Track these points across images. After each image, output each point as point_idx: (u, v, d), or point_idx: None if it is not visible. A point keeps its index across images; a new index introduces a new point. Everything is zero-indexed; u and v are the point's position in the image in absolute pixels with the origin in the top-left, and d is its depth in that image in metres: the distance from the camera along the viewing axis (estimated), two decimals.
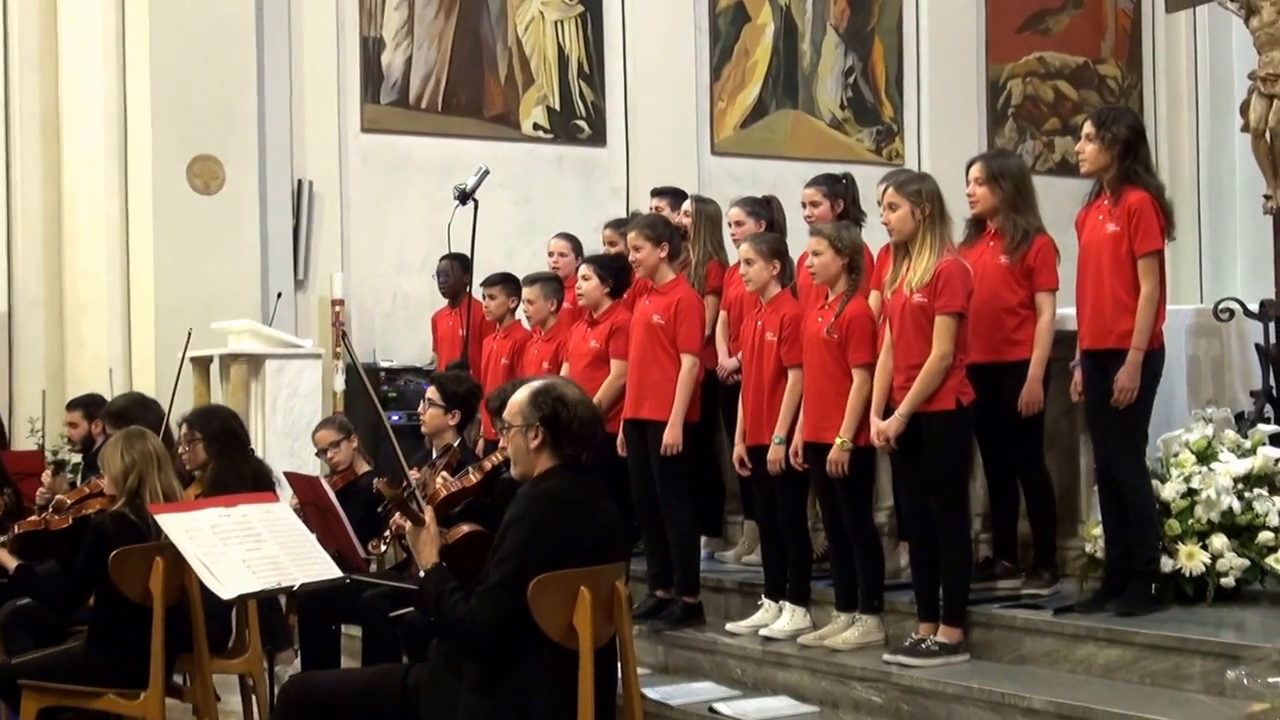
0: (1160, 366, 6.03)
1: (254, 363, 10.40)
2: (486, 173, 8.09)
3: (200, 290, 11.09)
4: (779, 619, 6.84)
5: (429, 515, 4.56)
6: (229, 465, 6.53)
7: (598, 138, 13.43)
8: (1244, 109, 6.94)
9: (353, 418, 11.78)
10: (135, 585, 5.28)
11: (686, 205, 7.88)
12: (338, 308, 12.09)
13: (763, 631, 6.82)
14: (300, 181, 12.14)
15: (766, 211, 7.57)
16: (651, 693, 6.70)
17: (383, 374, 11.79)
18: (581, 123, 13.37)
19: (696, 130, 13.82)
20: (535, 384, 4.67)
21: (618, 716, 4.74)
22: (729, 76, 14.09)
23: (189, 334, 7.84)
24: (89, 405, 8.69)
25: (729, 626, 7.02)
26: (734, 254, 7.35)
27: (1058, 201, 8.28)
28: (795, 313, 6.69)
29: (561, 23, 13.31)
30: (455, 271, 8.97)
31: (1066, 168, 14.18)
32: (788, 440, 6.59)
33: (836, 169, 7.80)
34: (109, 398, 8.90)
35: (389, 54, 12.61)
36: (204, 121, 11.43)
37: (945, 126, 14.48)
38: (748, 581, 7.32)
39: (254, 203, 11.65)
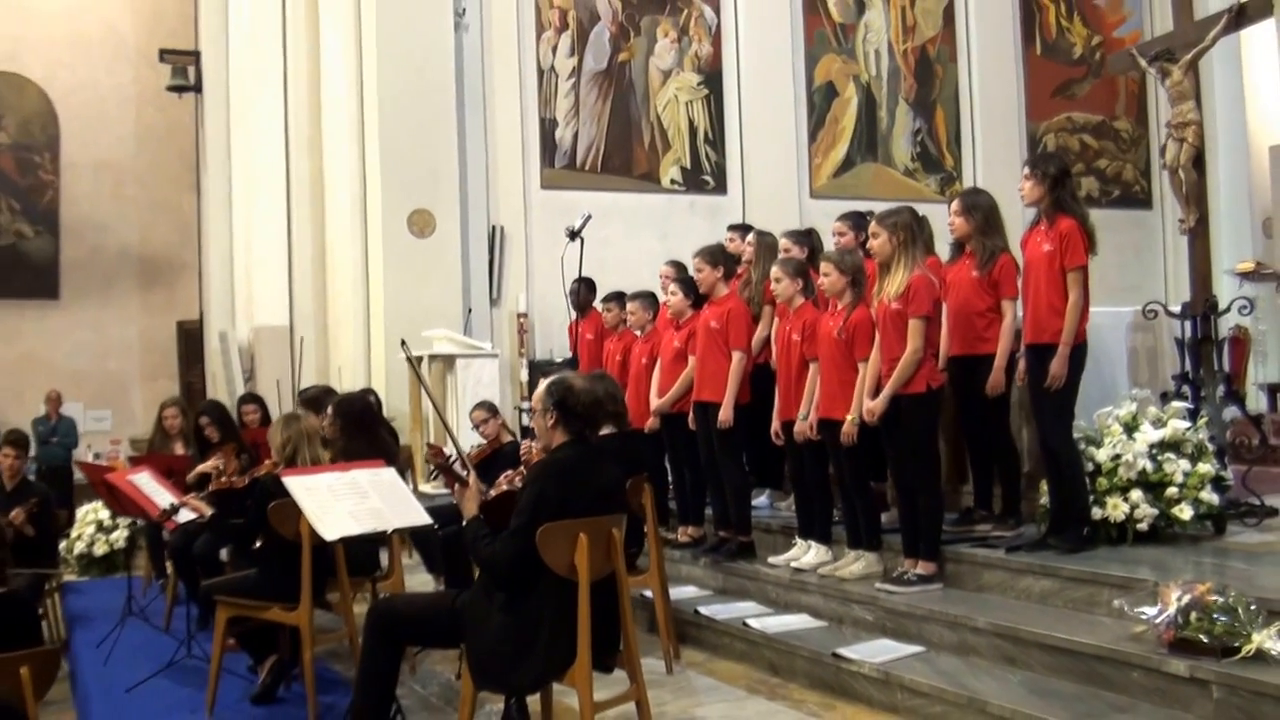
0: (1084, 358, 5.66)
1: (448, 361, 10.49)
2: (589, 217, 7.95)
3: (418, 309, 11.23)
4: (807, 554, 6.61)
5: (471, 478, 4.44)
6: (355, 439, 6.45)
7: (720, 188, 13.23)
8: (1163, 151, 6.45)
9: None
10: (290, 527, 5.25)
11: (750, 237, 7.66)
12: (522, 319, 12.13)
13: (793, 564, 6.60)
14: (494, 227, 12.22)
15: (808, 240, 7.31)
16: (704, 609, 6.54)
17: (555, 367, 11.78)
18: (708, 177, 13.19)
19: (798, 180, 13.58)
20: (553, 376, 4.52)
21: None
22: (823, 138, 13.80)
23: (301, 342, 7.79)
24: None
25: (770, 559, 6.79)
26: None
27: None
28: (814, 318, 6.44)
29: (691, 102, 13.18)
30: (582, 291, 8.85)
31: (1089, 200, 13.55)
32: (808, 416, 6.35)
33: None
34: (345, 389, 8.95)
35: (560, 130, 12.63)
36: (420, 184, 11.58)
37: (995, 172, 13.82)
38: (790, 525, 7.05)
39: (457, 244, 11.75)
